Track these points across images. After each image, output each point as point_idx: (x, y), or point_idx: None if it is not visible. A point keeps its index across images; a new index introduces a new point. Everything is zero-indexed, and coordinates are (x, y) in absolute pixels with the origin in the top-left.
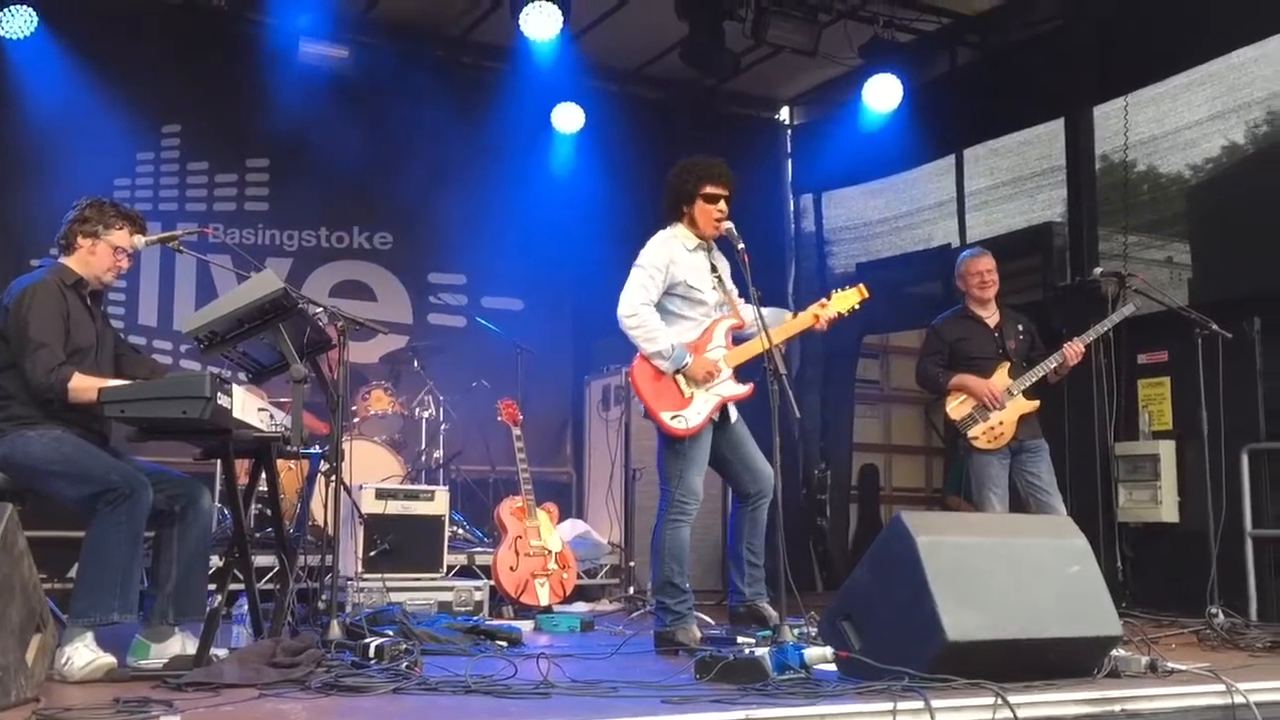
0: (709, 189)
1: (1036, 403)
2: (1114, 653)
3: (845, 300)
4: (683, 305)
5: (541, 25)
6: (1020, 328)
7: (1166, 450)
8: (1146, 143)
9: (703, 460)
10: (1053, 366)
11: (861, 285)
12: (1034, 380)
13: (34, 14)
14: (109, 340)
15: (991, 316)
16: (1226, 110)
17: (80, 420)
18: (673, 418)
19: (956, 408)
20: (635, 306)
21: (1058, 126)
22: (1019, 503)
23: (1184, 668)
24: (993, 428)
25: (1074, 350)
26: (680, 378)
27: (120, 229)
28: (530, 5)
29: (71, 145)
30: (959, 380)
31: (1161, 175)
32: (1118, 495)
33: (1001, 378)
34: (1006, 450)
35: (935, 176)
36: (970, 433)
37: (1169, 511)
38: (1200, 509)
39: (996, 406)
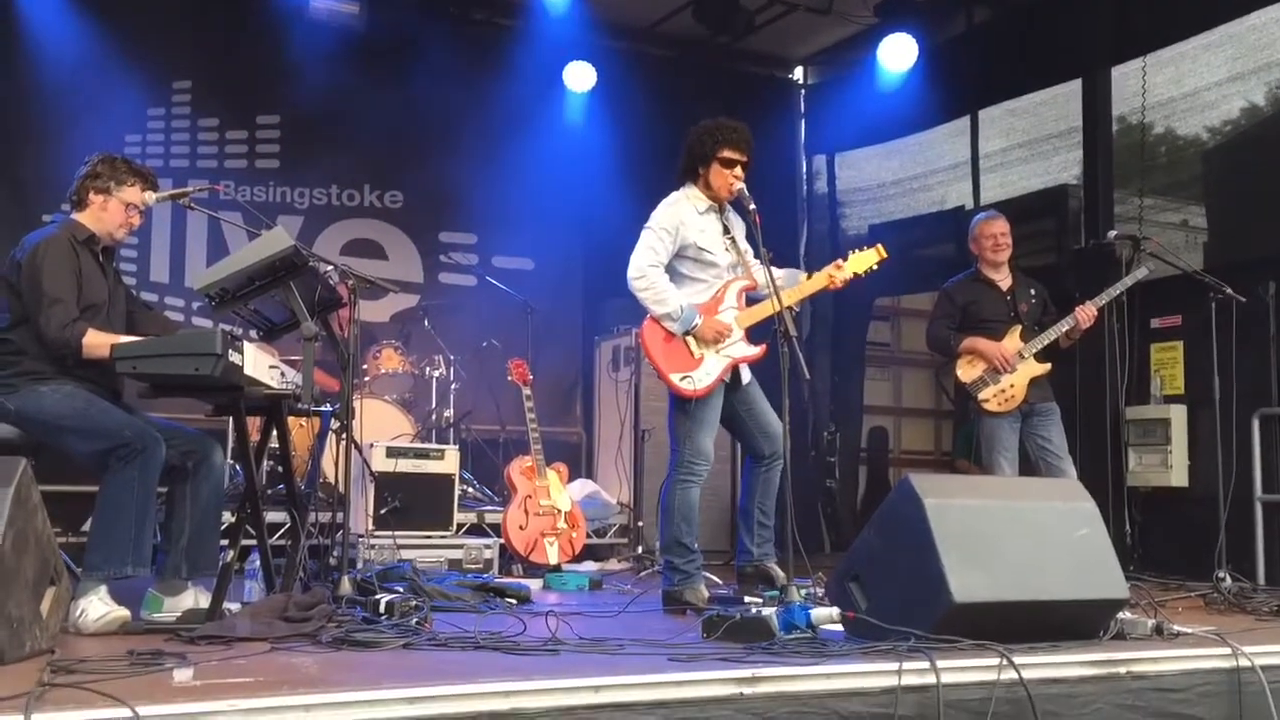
0: (727, 153)
1: (1047, 366)
2: (1120, 615)
3: (863, 260)
4: (693, 267)
5: None
6: (1032, 291)
7: (1178, 415)
8: (1164, 104)
9: (713, 421)
10: (1064, 330)
11: (880, 245)
12: (1045, 344)
13: None
14: (121, 297)
15: (1004, 280)
16: (1246, 72)
17: (93, 376)
18: (682, 379)
19: (967, 370)
20: (643, 269)
21: (1075, 87)
22: (1029, 466)
23: (1190, 631)
24: (1003, 390)
25: (1086, 314)
26: (690, 339)
27: (132, 185)
28: None
29: (83, 102)
30: (970, 343)
31: (1179, 137)
32: (1128, 459)
33: (1013, 341)
34: (1017, 413)
35: (950, 138)
36: (980, 395)
37: (1179, 476)
38: (1210, 474)
39: (1007, 370)
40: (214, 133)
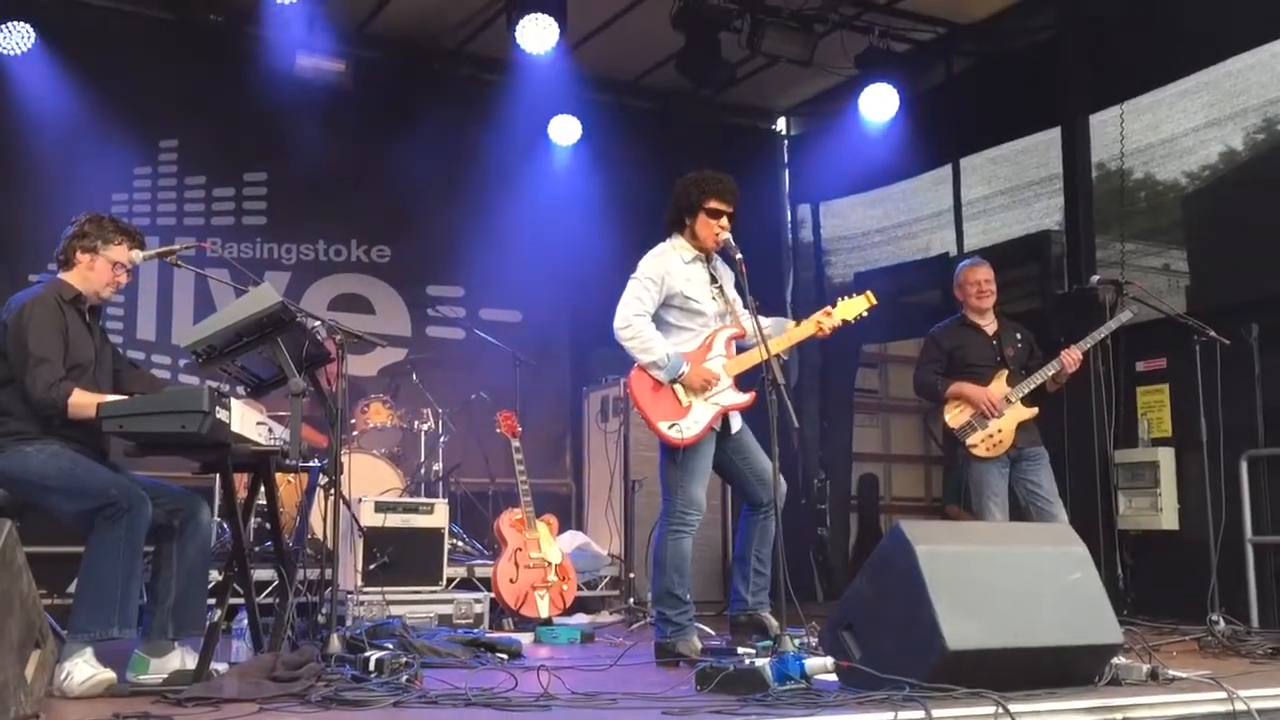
0: (713, 204)
1: (1035, 410)
2: (1115, 660)
3: (852, 308)
4: (681, 316)
5: (538, 37)
6: (1018, 336)
7: (1166, 457)
8: (1143, 150)
9: (704, 470)
10: (1051, 374)
11: (869, 293)
12: (1032, 388)
13: (31, 30)
14: (107, 355)
15: (989, 325)
16: (1223, 117)
17: (79, 435)
18: (670, 427)
19: (955, 415)
20: (629, 318)
21: (1054, 135)
22: (1019, 511)
23: (1185, 675)
24: (991, 435)
25: (1072, 358)
26: (678, 387)
27: (119, 244)
28: (526, 18)
29: (69, 160)
30: (957, 388)
31: (1158, 183)
32: (1117, 503)
33: (999, 385)
34: (1005, 458)
35: (932, 186)
36: (969, 440)
37: (1169, 519)
38: (1200, 516)
39: (994, 414)
40: (201, 190)
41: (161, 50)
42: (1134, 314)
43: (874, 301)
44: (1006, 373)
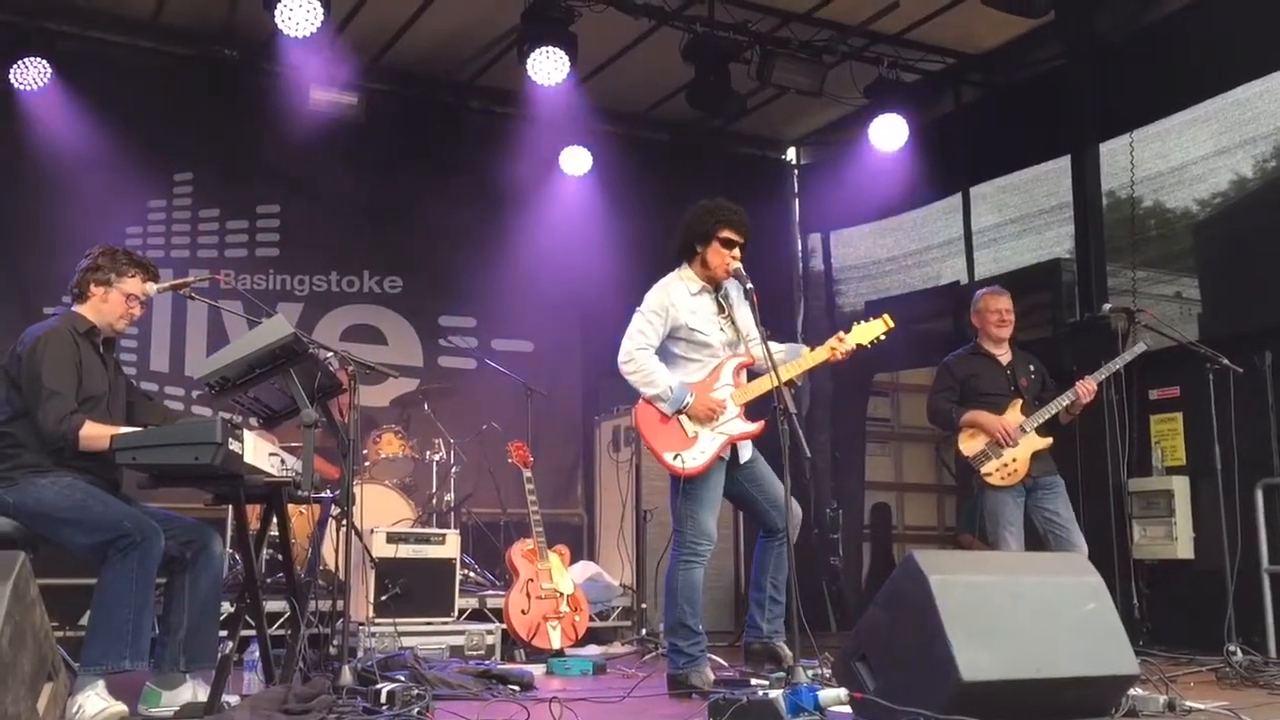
0: (727, 233)
1: (1049, 440)
2: (1131, 692)
3: (868, 332)
4: (687, 348)
5: (549, 70)
6: (1031, 367)
7: (1180, 486)
8: (1152, 179)
9: (714, 501)
10: (1065, 404)
11: (886, 316)
12: (1046, 418)
13: (47, 65)
14: (121, 387)
15: (1004, 355)
16: (1232, 145)
17: (92, 467)
18: (674, 457)
19: (969, 444)
20: (631, 352)
21: (1064, 164)
22: (1038, 540)
23: (1202, 707)
24: (1006, 464)
25: (1086, 388)
26: (684, 418)
27: (133, 276)
28: (537, 51)
29: (84, 194)
30: (971, 416)
31: (1168, 210)
32: (1132, 532)
33: (1014, 415)
34: (1021, 487)
35: (942, 214)
36: (984, 469)
37: (1184, 548)
38: (1216, 545)
39: (1009, 443)
40: (215, 223)
41: (176, 85)
42: (1147, 345)
43: (891, 324)
44: (1021, 402)
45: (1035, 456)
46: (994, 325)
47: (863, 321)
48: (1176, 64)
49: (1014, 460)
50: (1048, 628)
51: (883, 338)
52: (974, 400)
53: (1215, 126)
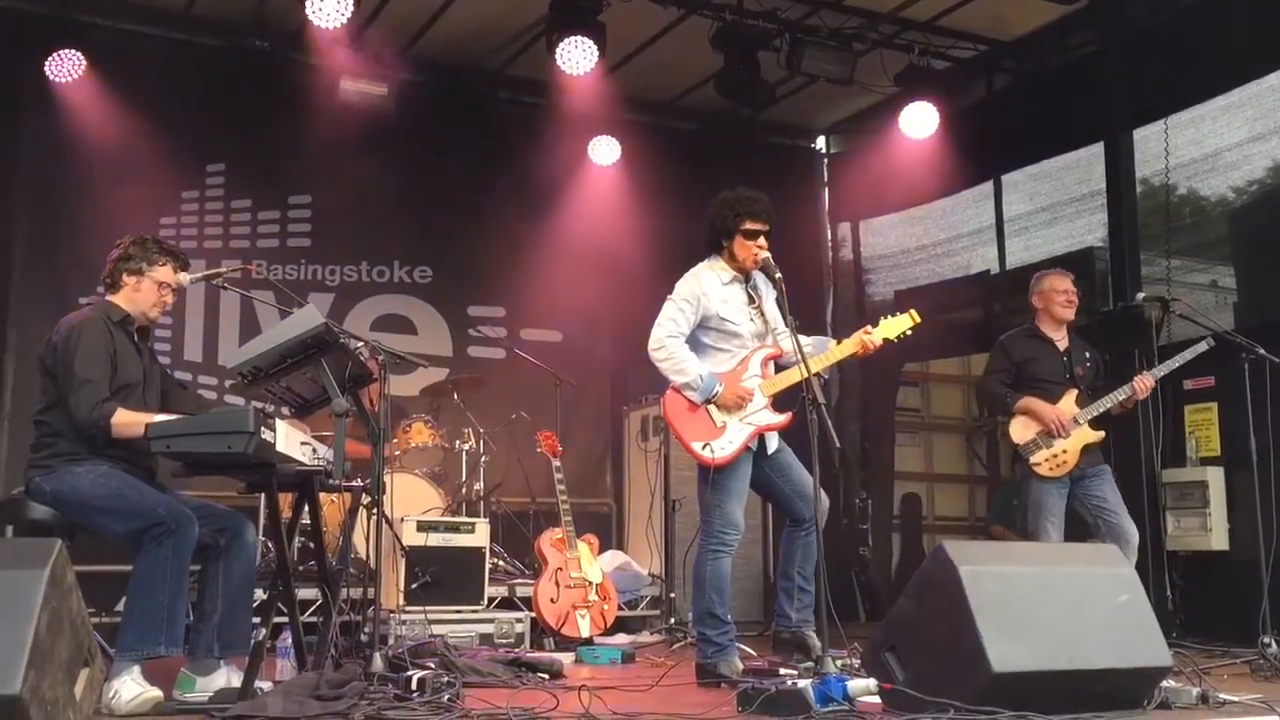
0: (749, 224)
1: (1101, 434)
2: (1164, 684)
3: (895, 326)
4: (717, 338)
5: (577, 60)
6: (1087, 355)
7: (1215, 477)
8: (1186, 165)
9: (742, 491)
10: (1121, 398)
11: (913, 311)
12: (1101, 411)
13: (81, 57)
14: (155, 376)
15: (1061, 340)
16: (1267, 132)
17: (127, 456)
18: (703, 447)
19: (1020, 431)
20: (662, 340)
21: (1095, 151)
22: (1087, 530)
23: (1236, 699)
24: (1055, 455)
25: (1144, 384)
26: (712, 407)
27: (164, 265)
28: (566, 40)
29: (118, 184)
30: (1026, 403)
31: (1203, 198)
32: (1166, 523)
33: (1069, 405)
34: (1066, 480)
35: (973, 203)
36: (1032, 459)
37: (1219, 539)
38: (1250, 536)
39: (1062, 434)
40: (247, 213)
41: (209, 76)
42: (1212, 344)
43: (917, 320)
44: (1076, 392)
45: (1085, 450)
46: (1061, 306)
47: (890, 316)
48: (1210, 50)
49: (1064, 452)
50: (1079, 619)
51: (909, 332)
52: (1028, 385)
53: (1249, 113)
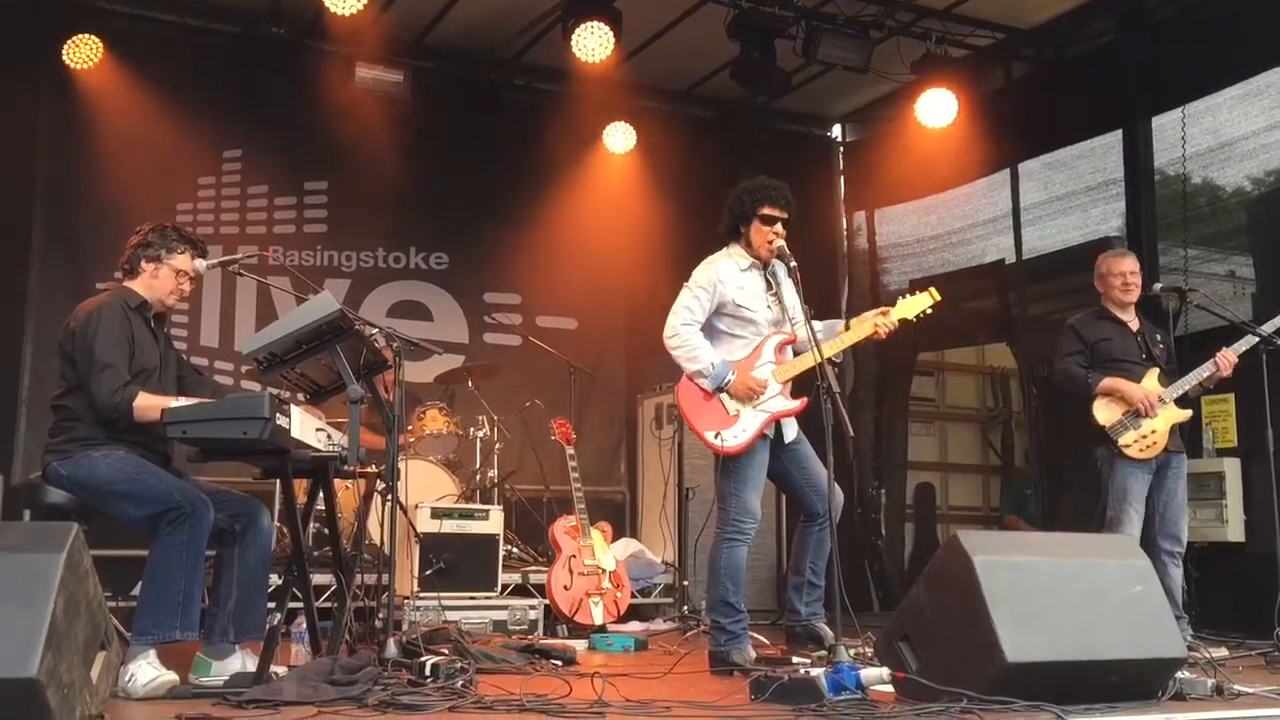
0: (767, 210)
1: (1188, 413)
2: (1179, 675)
3: (912, 306)
4: (733, 324)
5: (593, 47)
6: (1158, 336)
7: (1232, 468)
8: (1202, 154)
9: (758, 479)
10: (1205, 375)
11: (932, 289)
12: (1186, 389)
13: (99, 43)
14: (172, 362)
15: (1132, 320)
16: None
17: (144, 441)
18: (714, 436)
19: (1105, 413)
20: (676, 327)
21: (1112, 140)
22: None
23: (1251, 691)
24: (1145, 436)
25: (1227, 360)
26: (725, 396)
27: (182, 253)
28: (582, 27)
29: (135, 171)
30: (1111, 383)
31: (1219, 188)
32: None
33: (1152, 384)
34: (1152, 463)
35: (988, 192)
36: (1121, 440)
37: (1235, 531)
38: (1268, 528)
39: (1151, 414)
40: (263, 199)
41: (226, 63)
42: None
43: (938, 298)
44: (1158, 371)
45: (1172, 430)
46: (1119, 290)
47: (908, 295)
48: (1227, 38)
49: (1153, 432)
50: (1093, 610)
51: (929, 311)
52: (1105, 366)
53: (1267, 102)
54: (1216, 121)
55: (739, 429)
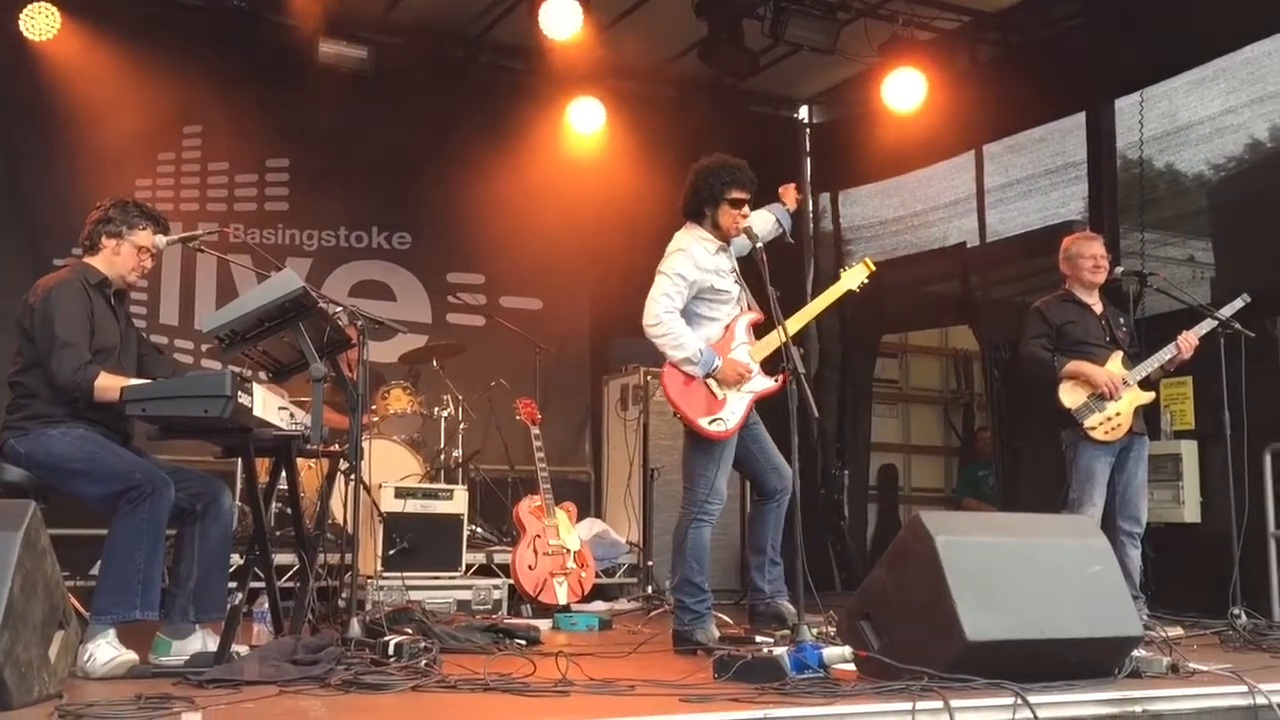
0: (735, 193)
1: (1151, 395)
2: (1135, 653)
3: (854, 276)
4: (709, 307)
5: (561, 23)
6: (1122, 320)
7: (1189, 450)
8: (1159, 138)
9: (729, 461)
10: (1166, 359)
11: (866, 259)
12: (1148, 372)
13: (57, 14)
14: (132, 340)
15: (1096, 304)
16: (1239, 105)
17: (103, 419)
18: (711, 421)
19: (1070, 395)
20: (659, 316)
21: (1072, 123)
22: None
23: (1206, 669)
24: (1109, 418)
25: (1188, 342)
26: (711, 381)
27: (144, 229)
28: (549, 3)
29: (93, 146)
30: (1076, 366)
31: (1178, 171)
32: None
33: (1116, 366)
34: (1115, 446)
35: (949, 174)
36: (1087, 423)
37: (1191, 512)
38: (1223, 509)
39: (1115, 396)
40: (224, 176)
41: (186, 37)
42: (1247, 300)
43: (872, 267)
44: (1121, 354)
45: (1136, 412)
46: (1088, 272)
47: (846, 268)
48: (1184, 23)
49: (1118, 414)
50: (1053, 589)
51: (866, 281)
52: (1070, 349)
53: (1223, 86)
54: (1173, 105)
55: (729, 412)
